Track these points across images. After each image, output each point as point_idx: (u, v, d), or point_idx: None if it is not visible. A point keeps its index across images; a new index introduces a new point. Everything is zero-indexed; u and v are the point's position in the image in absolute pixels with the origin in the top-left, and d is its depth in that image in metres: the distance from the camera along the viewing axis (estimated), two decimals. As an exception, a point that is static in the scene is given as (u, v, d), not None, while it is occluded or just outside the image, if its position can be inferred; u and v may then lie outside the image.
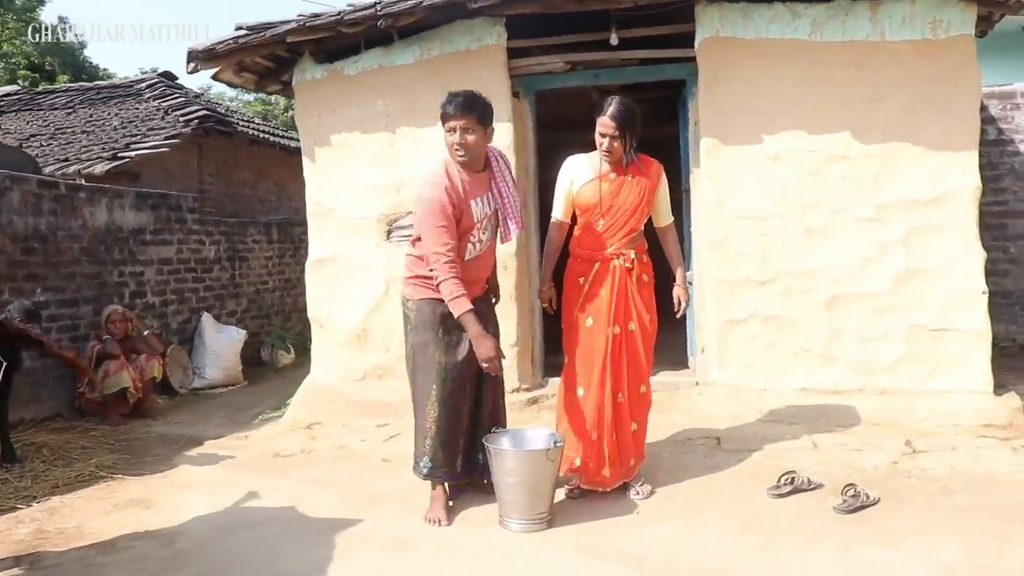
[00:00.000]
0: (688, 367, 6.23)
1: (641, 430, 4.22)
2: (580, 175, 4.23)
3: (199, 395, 8.05)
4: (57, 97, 12.88)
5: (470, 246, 3.95)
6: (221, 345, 8.47)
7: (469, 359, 3.96)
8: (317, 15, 5.89)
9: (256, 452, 5.59)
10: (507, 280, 5.93)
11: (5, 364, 5.24)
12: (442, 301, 3.86)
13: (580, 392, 4.15)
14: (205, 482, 4.90)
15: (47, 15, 29.10)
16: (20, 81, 20.93)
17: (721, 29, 5.52)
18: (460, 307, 3.75)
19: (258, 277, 9.98)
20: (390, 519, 4.05)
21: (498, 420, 4.22)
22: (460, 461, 4.10)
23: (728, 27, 5.51)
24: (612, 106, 4.02)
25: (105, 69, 29.34)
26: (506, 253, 5.90)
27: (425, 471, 4.05)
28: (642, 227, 4.19)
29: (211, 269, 9.04)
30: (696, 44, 5.60)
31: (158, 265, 8.10)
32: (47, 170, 8.36)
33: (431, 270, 3.81)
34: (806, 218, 5.49)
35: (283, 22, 5.92)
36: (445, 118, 3.86)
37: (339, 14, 5.76)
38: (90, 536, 4.06)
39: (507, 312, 5.93)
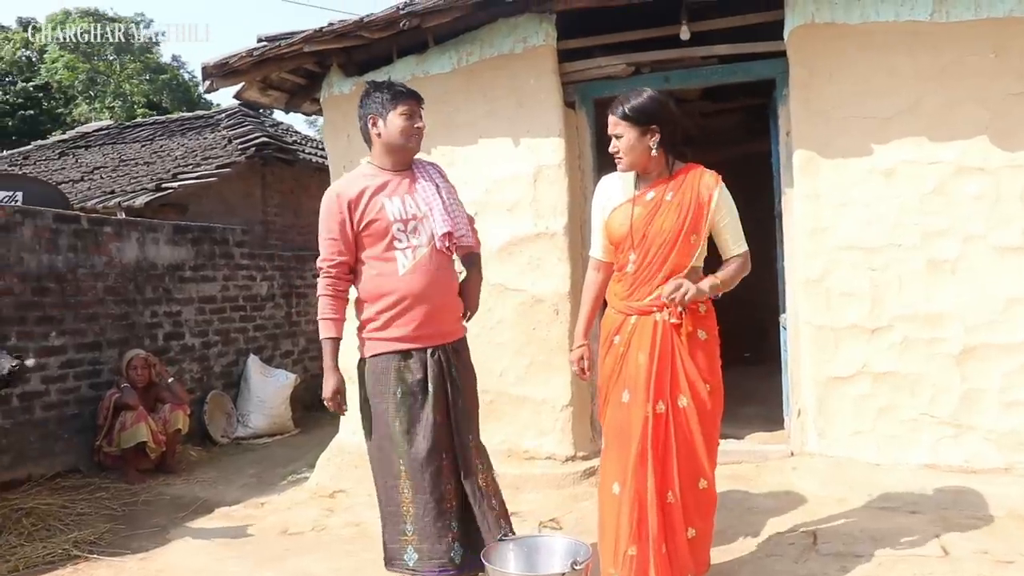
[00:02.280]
0: (783, 428, 5.11)
1: (702, 537, 3.13)
2: (612, 198, 3.27)
3: (240, 445, 7.36)
4: (143, 130, 12.77)
5: (400, 254, 3.26)
6: (267, 391, 7.77)
7: (439, 420, 3.24)
8: (341, 22, 5.13)
9: (264, 526, 4.81)
10: (559, 328, 4.98)
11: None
12: (397, 353, 3.24)
13: (615, 489, 3.11)
14: (182, 570, 4.13)
15: (164, 55, 30.09)
16: (140, 118, 21.29)
17: (817, 14, 4.43)
18: (323, 331, 3.33)
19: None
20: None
21: (488, 501, 3.31)
22: (458, 549, 3.23)
23: (826, 11, 4.42)
24: (619, 97, 3.16)
25: (218, 104, 29.99)
26: (557, 294, 4.96)
27: (411, 565, 3.22)
28: (696, 263, 3.14)
29: (263, 307, 8.38)
30: (785, 34, 4.53)
31: (199, 304, 7.46)
32: (91, 203, 7.93)
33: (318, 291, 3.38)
34: (930, 248, 4.33)
35: (303, 31, 5.18)
36: (400, 100, 3.31)
37: (361, 19, 4.97)
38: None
39: (560, 365, 4.98)
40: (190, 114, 13.43)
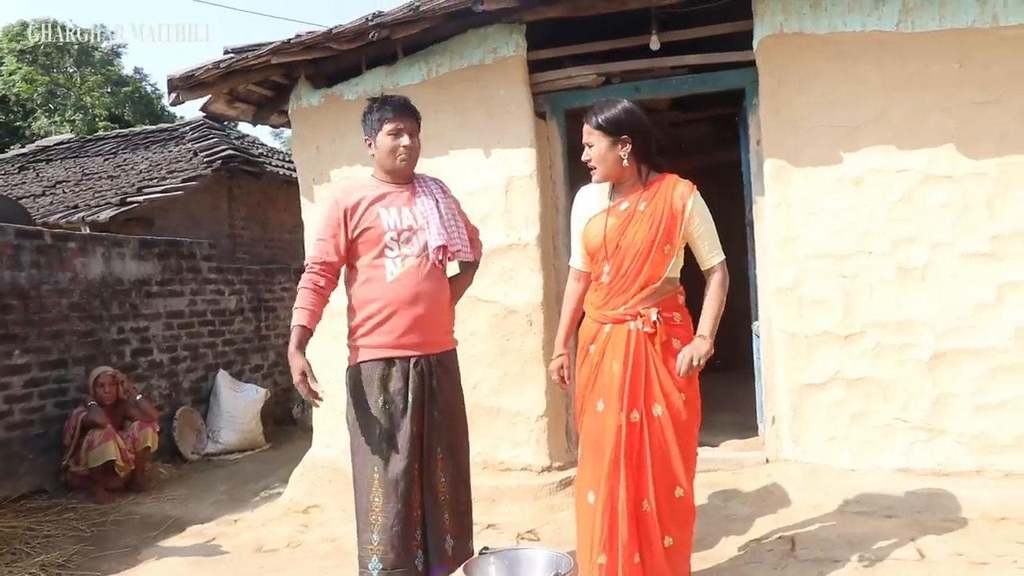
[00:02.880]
0: (757, 435, 5.13)
1: (680, 545, 3.11)
2: (588, 208, 3.29)
3: (211, 462, 7.26)
4: (105, 144, 12.57)
5: (389, 263, 3.29)
6: (238, 406, 7.67)
7: (416, 430, 3.24)
8: (309, 33, 5.08)
9: (237, 544, 4.74)
10: (532, 339, 4.97)
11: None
12: (380, 361, 3.24)
13: (590, 498, 3.11)
14: (154, 591, 4.04)
15: (126, 67, 29.70)
16: (101, 131, 20.96)
17: (785, 24, 4.46)
18: (296, 319, 3.28)
19: (288, 328, 9.11)
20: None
21: (442, 514, 3.32)
22: (420, 557, 3.25)
23: (795, 21, 4.45)
24: (593, 107, 3.18)
25: (181, 117, 29.68)
26: (531, 305, 4.96)
27: (375, 574, 3.20)
28: (671, 274, 3.14)
29: (231, 321, 8.27)
30: (755, 44, 4.57)
31: (166, 319, 7.36)
32: (53, 218, 7.79)
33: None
34: (899, 256, 4.37)
35: (271, 43, 5.12)
36: (386, 120, 3.35)
37: (330, 30, 4.93)
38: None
39: (534, 375, 4.97)
40: (154, 127, 13.23)
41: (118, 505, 5.75)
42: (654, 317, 3.05)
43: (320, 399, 3.25)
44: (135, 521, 5.40)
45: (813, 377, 4.53)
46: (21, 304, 5.97)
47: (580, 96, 5.00)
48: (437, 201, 3.42)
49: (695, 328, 3.18)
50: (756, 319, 4.90)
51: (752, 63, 4.63)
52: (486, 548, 3.09)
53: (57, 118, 25.89)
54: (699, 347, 3.05)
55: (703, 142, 7.17)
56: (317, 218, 3.37)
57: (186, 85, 5.31)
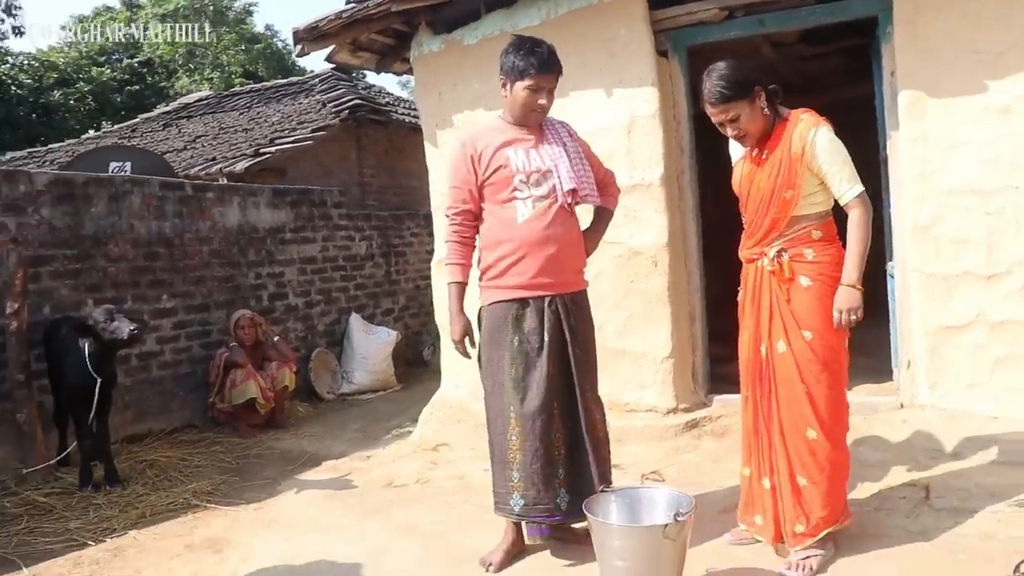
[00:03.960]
0: (892, 380, 4.95)
1: (815, 489, 3.06)
2: (736, 152, 3.32)
3: (346, 401, 7.57)
4: (240, 99, 13.04)
5: (520, 204, 3.30)
6: (370, 348, 7.94)
7: (552, 370, 3.27)
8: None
9: (370, 478, 4.94)
10: (657, 280, 4.92)
11: (100, 379, 4.87)
12: (515, 302, 3.26)
13: (744, 417, 3.31)
14: (293, 520, 4.27)
15: (258, 24, 30.62)
16: (237, 87, 21.82)
17: (925, -57, 4.19)
18: (449, 276, 3.39)
19: (417, 272, 9.36)
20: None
21: (603, 451, 3.40)
22: (564, 496, 3.29)
23: (935, -61, 4.18)
24: (705, 86, 3.09)
25: (311, 70, 30.45)
26: (655, 246, 4.90)
27: (517, 511, 3.29)
28: (802, 212, 3.07)
29: (362, 266, 8.53)
30: (890, -34, 4.31)
31: (300, 264, 7.65)
32: (194, 170, 8.17)
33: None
34: (1052, 190, 4.09)
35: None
36: (528, 75, 3.28)
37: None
38: (138, 591, 3.50)
39: (659, 317, 4.93)
40: (285, 81, 13.63)
41: (259, 440, 6.08)
42: (772, 254, 3.07)
43: (470, 358, 3.37)
44: (275, 455, 5.71)
45: (952, 319, 4.31)
46: (167, 252, 6.33)
47: (703, 32, 4.85)
48: (565, 144, 3.41)
49: (842, 261, 3.09)
50: (890, 259, 4.69)
51: (887, -12, 4.37)
52: (605, 487, 3.11)
53: (197, 77, 27.05)
54: (844, 298, 2.99)
55: (833, 77, 6.81)
56: (447, 165, 3.42)
57: (310, 36, 5.45)
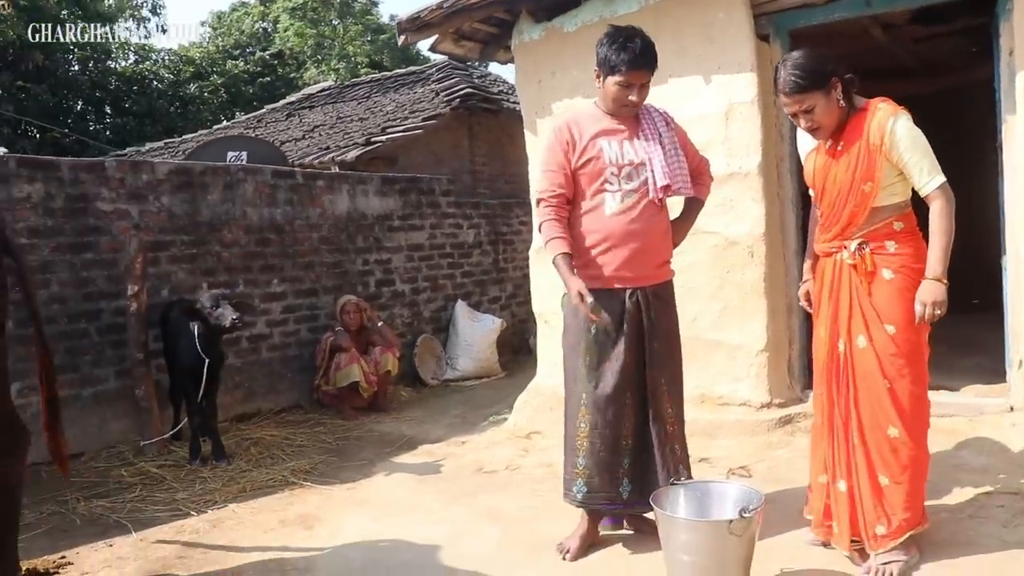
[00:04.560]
0: (1005, 383, 4.66)
1: (898, 486, 2.93)
2: (806, 144, 3.20)
3: (449, 387, 7.69)
4: (360, 88, 13.37)
5: (609, 196, 3.27)
6: (475, 335, 8.03)
7: (628, 360, 3.25)
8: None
9: (462, 464, 5.01)
10: (753, 271, 4.79)
11: (208, 360, 5.11)
12: (593, 292, 3.19)
13: (816, 419, 3.19)
14: (383, 501, 4.38)
15: (383, 15, 31.32)
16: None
17: (1049, -87, 3.91)
18: (552, 250, 3.25)
19: (525, 260, 9.29)
20: (539, 578, 3.21)
21: (671, 446, 3.32)
22: (627, 486, 3.31)
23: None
24: (779, 74, 2.97)
25: (434, 60, 31.02)
26: (752, 236, 4.77)
27: (579, 497, 3.34)
28: (883, 203, 2.94)
29: (469, 254, 8.62)
30: (1011, -61, 4.04)
31: (407, 251, 7.80)
32: (308, 159, 8.44)
33: (539, 221, 3.35)
34: None
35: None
36: (619, 71, 3.23)
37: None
38: (230, 560, 3.68)
39: (755, 309, 4.80)
40: (404, 71, 13.88)
41: (361, 422, 6.25)
42: (854, 247, 2.96)
43: (598, 317, 3.20)
44: (374, 437, 5.85)
45: (1072, 317, 4.03)
46: (278, 238, 6.57)
47: (806, 15, 4.67)
48: (660, 135, 3.35)
49: (925, 253, 2.96)
50: (1004, 253, 4.41)
51: (1007, -39, 4.10)
52: (675, 480, 3.05)
53: (324, 67, 27.88)
54: (928, 292, 2.85)
55: (954, 59, 6.44)
56: (543, 149, 3.40)
57: (413, 27, 5.54)
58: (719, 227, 4.83)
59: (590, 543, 3.41)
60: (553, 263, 3.24)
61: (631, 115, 3.35)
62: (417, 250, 7.93)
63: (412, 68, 14.37)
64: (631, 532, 3.49)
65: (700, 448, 4.66)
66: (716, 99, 4.79)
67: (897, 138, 2.85)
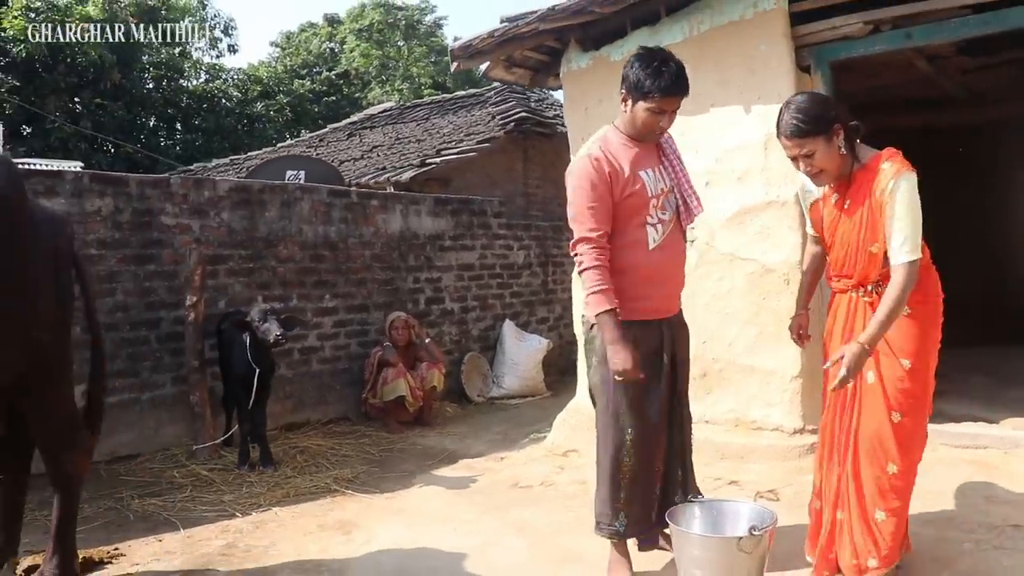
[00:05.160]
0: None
1: (892, 519, 2.96)
2: (810, 189, 3.23)
3: (494, 405, 7.83)
4: (420, 110, 13.69)
5: (651, 229, 3.21)
6: (521, 354, 8.18)
7: (667, 391, 3.32)
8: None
9: (499, 479, 5.15)
10: (789, 298, 4.83)
11: (259, 370, 5.35)
12: (635, 323, 3.19)
13: (819, 450, 3.25)
14: (418, 511, 4.54)
15: (447, 37, 31.86)
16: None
17: (1088, -48, 3.95)
18: (598, 305, 3.07)
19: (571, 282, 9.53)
20: (561, 591, 3.33)
21: (689, 467, 3.46)
22: (655, 511, 3.36)
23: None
24: (782, 117, 2.98)
25: (496, 82, 31.42)
26: (788, 264, 4.85)
27: (622, 530, 3.29)
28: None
29: (519, 275, 8.79)
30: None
31: (458, 271, 8.00)
32: (364, 179, 8.71)
33: (579, 263, 3.14)
34: None
35: (539, 11, 5.39)
36: (652, 97, 3.14)
37: (591, -6, 5.09)
38: (269, 559, 3.88)
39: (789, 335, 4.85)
40: (463, 92, 14.20)
41: (405, 436, 6.43)
42: (870, 287, 3.00)
43: (644, 378, 3.15)
44: (417, 450, 6.02)
45: (1109, 353, 4.03)
46: (331, 255, 6.82)
47: (846, 47, 4.76)
48: (680, 159, 3.40)
49: (937, 290, 3.03)
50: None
51: (1048, -2, 4.14)
52: (693, 497, 3.16)
53: (388, 88, 28.47)
54: (849, 355, 2.82)
55: (1005, 90, 6.43)
56: (578, 180, 3.19)
57: (466, 54, 5.75)
58: (756, 254, 4.92)
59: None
60: (596, 319, 3.10)
61: (656, 141, 3.34)
62: (467, 270, 8.12)
63: (472, 91, 14.67)
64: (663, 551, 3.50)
65: (731, 471, 4.74)
66: (756, 129, 4.89)
67: (896, 199, 2.84)
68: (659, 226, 3.24)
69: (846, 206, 3.00)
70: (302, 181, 7.46)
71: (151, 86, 23.04)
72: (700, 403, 5.21)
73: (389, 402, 6.63)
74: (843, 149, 2.94)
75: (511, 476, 5.17)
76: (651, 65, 3.13)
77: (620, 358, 3.05)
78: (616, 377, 3.11)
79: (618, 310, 3.09)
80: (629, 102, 3.22)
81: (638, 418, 3.24)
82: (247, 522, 4.41)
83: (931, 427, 4.71)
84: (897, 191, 2.84)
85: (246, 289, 6.28)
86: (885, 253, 2.92)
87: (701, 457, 4.95)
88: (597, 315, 3.10)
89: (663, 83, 3.11)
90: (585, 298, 3.16)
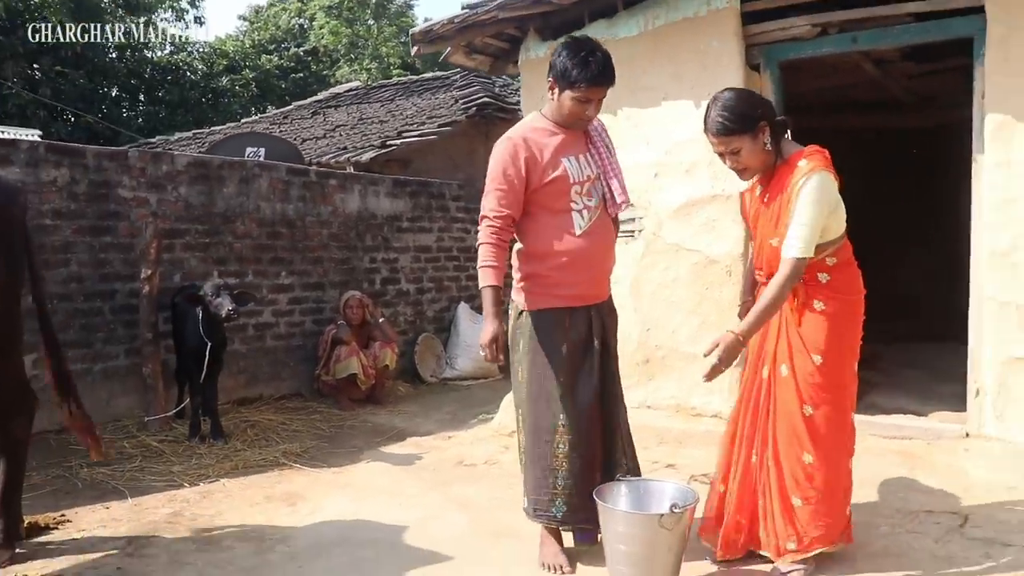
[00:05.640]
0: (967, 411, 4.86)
1: (809, 506, 3.08)
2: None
3: (447, 385, 7.94)
4: (385, 91, 13.67)
5: (576, 215, 3.26)
6: (475, 336, 8.21)
7: (598, 376, 3.35)
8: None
9: (445, 456, 5.27)
10: (731, 289, 5.05)
11: (211, 344, 5.41)
12: (565, 310, 3.27)
13: (728, 428, 3.40)
14: (364, 485, 4.64)
15: (417, 18, 31.72)
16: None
17: (1019, -34, 4.13)
18: (483, 279, 3.22)
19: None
20: (494, 564, 3.45)
21: (628, 452, 3.50)
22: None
23: (1030, -37, 4.11)
24: (709, 114, 3.05)
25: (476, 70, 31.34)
26: (731, 256, 5.01)
27: (559, 516, 3.33)
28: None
29: (476, 257, 8.83)
30: (984, -12, 4.26)
31: (415, 252, 8.08)
32: (325, 158, 8.75)
33: (478, 239, 3.28)
34: None
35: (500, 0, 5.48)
36: (579, 87, 3.18)
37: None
38: (214, 526, 3.97)
39: (731, 325, 5.00)
40: (429, 75, 14.20)
41: (356, 413, 6.53)
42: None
43: (501, 361, 3.29)
44: (367, 428, 6.12)
45: (1026, 350, 4.24)
46: (289, 232, 6.88)
47: (795, 48, 4.92)
48: (608, 147, 3.42)
49: (857, 285, 3.15)
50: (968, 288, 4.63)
51: (981, 8, 4.31)
52: (621, 475, 3.29)
53: (357, 67, 28.31)
54: (722, 344, 2.95)
55: (952, 96, 6.64)
56: (494, 165, 3.24)
57: (426, 39, 5.83)
58: (701, 246, 5.07)
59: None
60: (481, 290, 3.22)
61: (582, 129, 3.36)
62: (424, 252, 8.21)
63: (438, 74, 14.65)
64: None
65: (669, 455, 4.90)
66: (704, 124, 5.03)
67: (803, 193, 2.90)
68: (585, 212, 3.27)
69: (765, 199, 3.10)
70: (262, 158, 7.49)
71: (114, 56, 22.71)
72: (642, 389, 5.39)
73: (341, 379, 6.71)
74: (768, 146, 3.02)
75: (457, 454, 5.29)
76: (578, 55, 3.17)
77: (485, 332, 3.20)
78: (481, 352, 3.24)
79: (500, 286, 3.22)
80: (556, 90, 3.25)
81: (570, 405, 3.27)
82: (195, 492, 4.49)
83: (861, 418, 4.94)
84: (804, 188, 2.90)
85: (202, 264, 6.31)
86: None
87: (640, 441, 5.08)
88: (482, 287, 3.22)
89: (589, 73, 3.15)
90: (479, 268, 3.27)
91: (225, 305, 5.24)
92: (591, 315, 3.35)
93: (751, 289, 3.49)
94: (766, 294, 2.96)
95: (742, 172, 3.12)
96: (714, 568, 3.28)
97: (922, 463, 4.38)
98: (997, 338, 4.31)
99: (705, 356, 3.06)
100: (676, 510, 2.87)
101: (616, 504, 3.09)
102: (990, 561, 3.29)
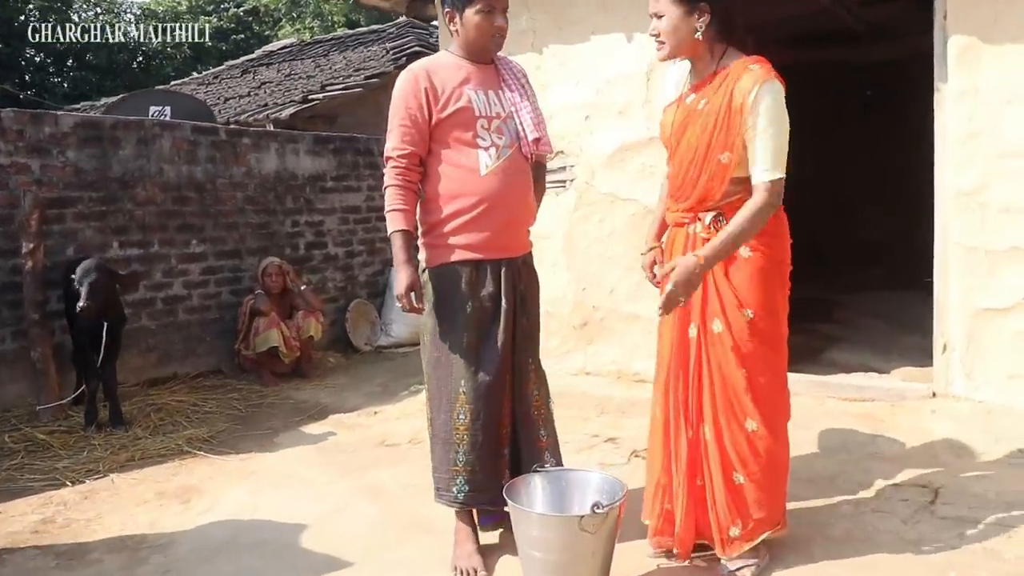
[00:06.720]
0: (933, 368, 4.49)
1: (755, 486, 2.64)
2: (668, 94, 2.83)
3: (381, 354, 7.44)
4: (319, 47, 13.01)
5: (483, 153, 2.88)
6: (408, 299, 7.78)
7: (507, 340, 2.94)
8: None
9: (367, 435, 4.82)
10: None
11: (106, 323, 4.87)
12: (468, 263, 2.88)
13: (655, 413, 2.85)
14: (271, 474, 4.17)
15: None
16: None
17: None
18: (392, 224, 2.87)
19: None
20: (399, 568, 3.00)
21: (537, 432, 3.06)
22: (507, 478, 2.96)
23: None
24: None
25: (412, 20, 30.38)
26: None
27: (461, 498, 2.95)
28: (742, 175, 2.57)
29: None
30: None
31: (342, 213, 7.52)
32: (244, 116, 8.13)
33: (384, 182, 2.93)
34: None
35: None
36: None
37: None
38: (87, 534, 3.48)
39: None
40: (365, 28, 13.52)
41: (280, 389, 6.02)
42: (708, 220, 2.61)
43: (422, 309, 2.92)
44: (288, 405, 5.62)
45: (995, 301, 3.86)
46: (197, 196, 6.29)
47: (736, -29, 4.41)
48: (524, 88, 3.05)
49: (786, 232, 2.70)
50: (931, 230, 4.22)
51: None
52: (538, 466, 2.83)
53: (299, 26, 27.29)
54: (679, 269, 2.47)
55: (906, 25, 6.17)
56: (395, 99, 2.91)
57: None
58: (638, 194, 4.61)
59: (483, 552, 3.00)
60: (389, 237, 2.89)
61: (496, 51, 3.01)
62: (353, 212, 7.65)
63: (373, 27, 13.97)
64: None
65: (610, 426, 4.49)
66: (638, 59, 4.56)
67: (761, 107, 2.47)
68: (492, 150, 2.90)
69: (701, 106, 2.61)
70: (167, 118, 6.86)
71: (36, 16, 21.54)
72: (580, 354, 4.96)
73: (262, 353, 6.20)
74: (699, 35, 2.57)
75: (381, 432, 4.84)
76: None
77: (399, 282, 2.86)
78: (398, 304, 2.90)
79: (410, 231, 2.89)
80: (457, 18, 2.93)
81: (472, 371, 2.91)
82: (75, 492, 3.98)
83: (819, 379, 4.58)
84: (762, 101, 2.47)
85: (99, 234, 5.72)
86: (735, 172, 2.57)
87: (580, 412, 4.72)
88: (391, 233, 2.89)
89: None
90: (386, 214, 2.92)
91: (79, 300, 4.63)
92: (501, 271, 2.95)
93: (661, 232, 2.97)
94: (738, 218, 2.49)
95: (660, 47, 2.66)
96: (653, 566, 2.84)
97: (886, 427, 4.00)
98: (964, 287, 3.91)
99: (657, 283, 2.66)
100: (599, 510, 2.39)
101: (531, 502, 2.62)
102: (964, 543, 2.89)
